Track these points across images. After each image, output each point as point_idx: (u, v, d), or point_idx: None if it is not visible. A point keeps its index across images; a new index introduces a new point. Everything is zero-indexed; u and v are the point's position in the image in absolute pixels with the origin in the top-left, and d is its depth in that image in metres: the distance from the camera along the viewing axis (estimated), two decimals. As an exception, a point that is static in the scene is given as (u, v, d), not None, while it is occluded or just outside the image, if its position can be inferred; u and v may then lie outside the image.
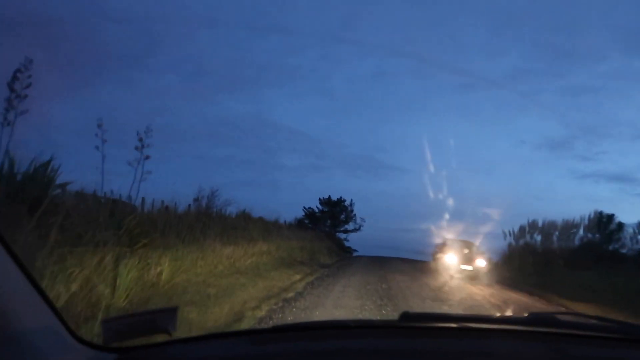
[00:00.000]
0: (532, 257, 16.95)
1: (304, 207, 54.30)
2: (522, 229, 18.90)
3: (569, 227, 18.68)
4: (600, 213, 22.66)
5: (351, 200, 55.96)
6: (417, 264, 20.00)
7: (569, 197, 45.00)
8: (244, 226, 15.41)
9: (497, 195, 52.23)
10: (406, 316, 1.45)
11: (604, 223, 20.51)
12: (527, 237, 19.61)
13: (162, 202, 14.63)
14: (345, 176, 56.54)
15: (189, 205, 15.18)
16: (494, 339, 1.46)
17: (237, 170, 52.52)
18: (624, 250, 18.97)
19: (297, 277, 10.40)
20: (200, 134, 52.02)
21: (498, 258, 21.31)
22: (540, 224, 19.15)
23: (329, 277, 11.00)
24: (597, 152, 47.53)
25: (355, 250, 55.65)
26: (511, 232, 20.72)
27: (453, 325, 1.50)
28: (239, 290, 7.23)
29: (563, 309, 9.62)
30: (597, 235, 19.73)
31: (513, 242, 19.65)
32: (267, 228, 18.92)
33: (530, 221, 18.94)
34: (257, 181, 50.41)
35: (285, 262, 13.01)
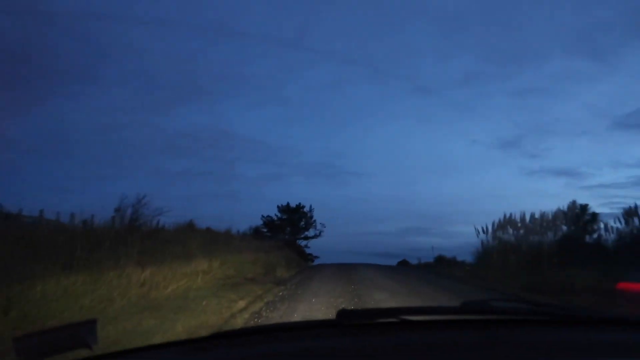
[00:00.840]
0: (514, 256, 14.88)
1: (262, 216, 51.69)
2: (500, 224, 16.86)
3: (546, 221, 16.79)
4: (574, 203, 21.17)
5: (310, 206, 53.91)
6: (388, 271, 17.57)
7: (521, 192, 46.55)
8: (183, 240, 12.45)
9: (453, 194, 53.04)
10: (344, 314, 1.42)
11: (577, 214, 18.88)
12: (501, 233, 17.62)
13: (72, 214, 11.46)
14: (305, 184, 55.78)
15: (113, 217, 12.13)
16: (432, 330, 1.48)
17: (196, 182, 50.50)
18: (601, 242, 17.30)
19: (242, 304, 7.62)
20: (155, 147, 49.83)
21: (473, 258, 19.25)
22: (517, 218, 17.19)
23: (285, 301, 8.25)
24: (544, 148, 49.48)
25: (317, 257, 53.44)
26: (484, 228, 18.72)
27: (393, 319, 1.49)
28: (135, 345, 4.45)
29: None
30: (573, 228, 18.04)
31: (489, 240, 17.61)
32: (215, 240, 15.96)
33: (507, 216, 16.98)
34: (217, 193, 48.98)
35: (230, 283, 10.16)
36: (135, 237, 9.35)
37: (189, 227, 16.65)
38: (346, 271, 16.79)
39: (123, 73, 46.18)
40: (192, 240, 12.08)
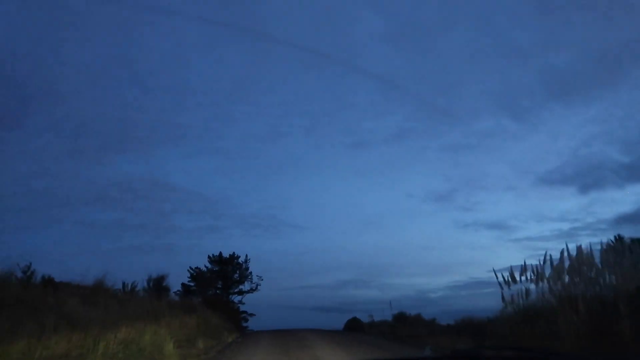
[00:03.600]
0: (629, 322, 7.24)
1: (190, 268, 41.79)
2: (555, 267, 9.30)
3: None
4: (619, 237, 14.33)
5: (246, 256, 44.77)
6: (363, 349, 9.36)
7: (456, 245, 46.91)
8: None
9: (390, 246, 52.16)
10: None
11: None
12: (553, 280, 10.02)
13: None
14: (243, 236, 50.95)
15: None
16: None
17: (127, 235, 46.41)
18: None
19: None
20: (84, 198, 45.32)
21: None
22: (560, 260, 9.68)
23: None
24: (475, 202, 49.78)
25: (252, 315, 43.95)
26: (511, 275, 11.15)
27: None
28: None
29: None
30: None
31: (548, 290, 9.93)
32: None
33: (568, 252, 9.48)
34: (149, 245, 44.17)
35: None
36: None
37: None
38: (291, 348, 8.40)
39: (50, 120, 41.54)
40: None
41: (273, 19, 43.83)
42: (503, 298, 11.43)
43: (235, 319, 32.01)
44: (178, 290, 39.16)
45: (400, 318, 29.07)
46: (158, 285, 17.59)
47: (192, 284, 40.31)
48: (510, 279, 11.30)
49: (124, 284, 14.48)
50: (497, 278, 11.45)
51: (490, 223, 49.87)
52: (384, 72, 45.79)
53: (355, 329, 31.01)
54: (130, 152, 49.43)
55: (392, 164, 52.43)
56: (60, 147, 42.53)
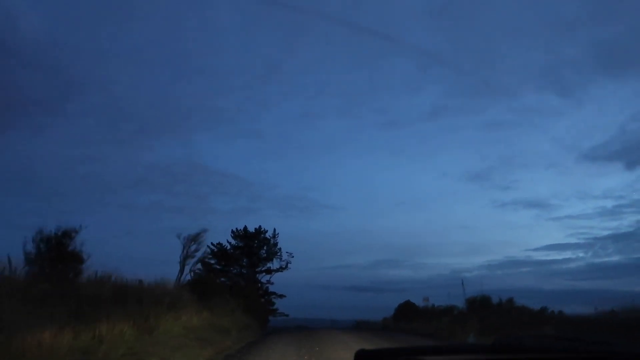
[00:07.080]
0: None
1: (211, 244, 34.33)
2: None
3: None
4: None
5: (274, 230, 37.19)
6: None
7: (493, 224, 37.68)
8: None
9: (424, 226, 45.37)
10: (362, 355, 1.24)
11: None
12: None
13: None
14: (279, 217, 49.71)
15: None
16: None
17: (166, 217, 44.56)
18: None
19: None
20: (125, 181, 43.87)
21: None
22: None
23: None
24: (513, 180, 43.80)
25: (282, 297, 36.69)
26: None
27: (422, 358, 1.30)
28: None
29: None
30: None
31: None
32: None
33: None
34: (186, 227, 41.52)
35: None
36: None
37: None
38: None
39: (91, 105, 43.02)
40: None
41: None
42: None
43: (253, 308, 23.65)
44: (198, 269, 31.88)
45: (481, 304, 20.17)
46: (57, 248, 8.96)
47: (212, 261, 32.85)
48: None
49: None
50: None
51: (529, 202, 45.90)
52: (421, 46, 40.34)
53: (414, 319, 22.21)
54: (168, 136, 47.36)
55: (426, 143, 48.60)
56: (101, 132, 40.25)
